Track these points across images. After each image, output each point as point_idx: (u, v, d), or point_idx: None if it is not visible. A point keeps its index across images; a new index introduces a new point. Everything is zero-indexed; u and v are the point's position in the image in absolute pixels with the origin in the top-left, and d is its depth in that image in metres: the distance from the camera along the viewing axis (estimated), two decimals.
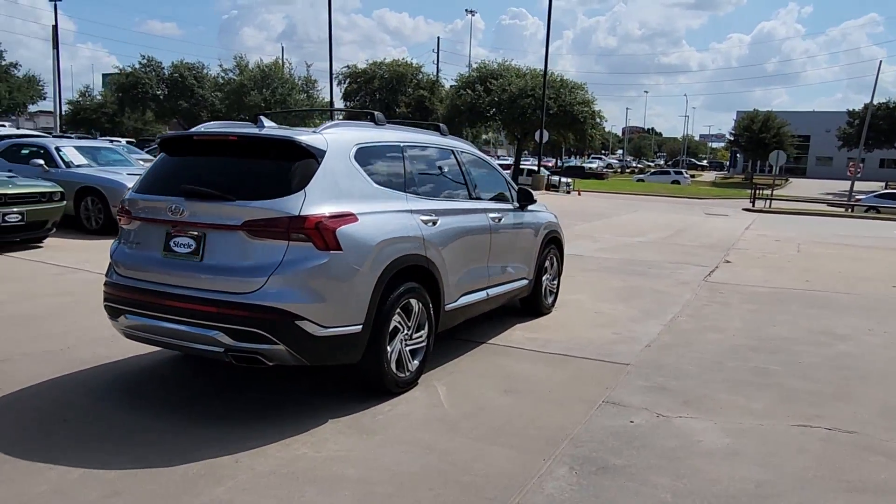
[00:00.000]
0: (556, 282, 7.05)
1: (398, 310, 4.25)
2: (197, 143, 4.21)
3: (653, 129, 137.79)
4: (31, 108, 50.67)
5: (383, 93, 37.66)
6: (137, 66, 44.56)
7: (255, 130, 4.20)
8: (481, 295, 5.37)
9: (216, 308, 3.70)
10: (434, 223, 4.64)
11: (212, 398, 4.25)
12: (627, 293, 8.05)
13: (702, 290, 8.38)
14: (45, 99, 47.22)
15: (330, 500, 3.01)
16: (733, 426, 3.99)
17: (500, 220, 5.63)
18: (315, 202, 3.78)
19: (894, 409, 4.37)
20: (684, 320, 6.78)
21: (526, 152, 39.01)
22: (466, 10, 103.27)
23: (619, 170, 76.43)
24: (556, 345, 5.64)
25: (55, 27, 38.80)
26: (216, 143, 4.16)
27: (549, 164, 60.67)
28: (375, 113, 4.70)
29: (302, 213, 3.71)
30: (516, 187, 6.23)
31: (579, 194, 31.72)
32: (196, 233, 3.87)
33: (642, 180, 55.74)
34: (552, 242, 6.82)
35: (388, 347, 4.20)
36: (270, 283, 3.67)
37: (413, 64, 38.65)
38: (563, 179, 33.99)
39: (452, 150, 5.39)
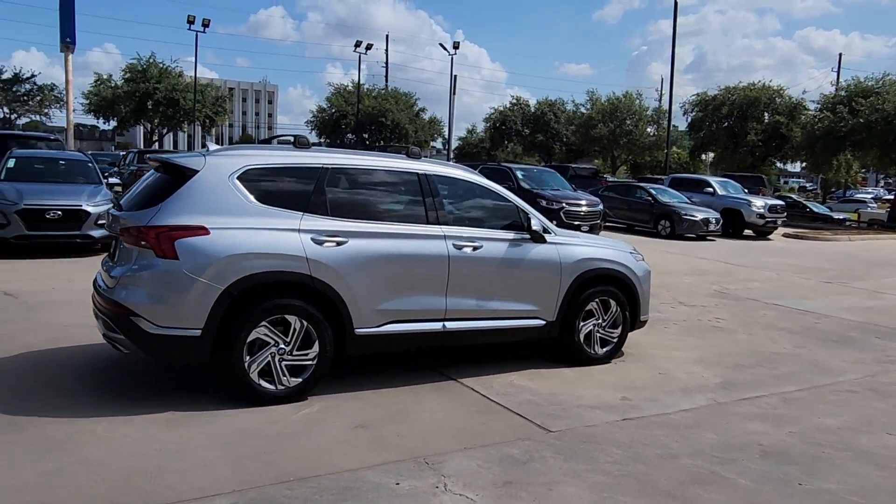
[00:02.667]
0: (616, 330, 5.97)
1: (265, 323, 4.42)
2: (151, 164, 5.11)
3: None
4: (433, 144, 61.06)
5: (732, 120, 34.30)
6: (508, 105, 49.96)
7: (181, 155, 4.90)
8: (432, 326, 5.04)
9: (100, 300, 4.51)
10: (339, 244, 4.63)
11: (151, 379, 5.03)
12: (760, 360, 6.28)
13: (884, 374, 6.01)
14: (442, 136, 56.52)
15: (33, 465, 3.48)
16: None
17: (474, 248, 5.17)
18: (166, 215, 4.28)
19: None
20: (763, 401, 5.08)
21: None
22: None
23: None
24: (521, 396, 4.92)
25: (453, 77, 46.61)
26: (154, 164, 4.99)
27: None
28: (298, 136, 4.92)
29: (148, 224, 4.26)
30: (534, 217, 5.56)
31: None
32: (115, 238, 4.75)
33: None
34: (603, 282, 5.83)
35: (248, 357, 4.39)
36: (121, 282, 4.31)
37: (773, 87, 34.21)
38: None
39: (417, 174, 5.18)
